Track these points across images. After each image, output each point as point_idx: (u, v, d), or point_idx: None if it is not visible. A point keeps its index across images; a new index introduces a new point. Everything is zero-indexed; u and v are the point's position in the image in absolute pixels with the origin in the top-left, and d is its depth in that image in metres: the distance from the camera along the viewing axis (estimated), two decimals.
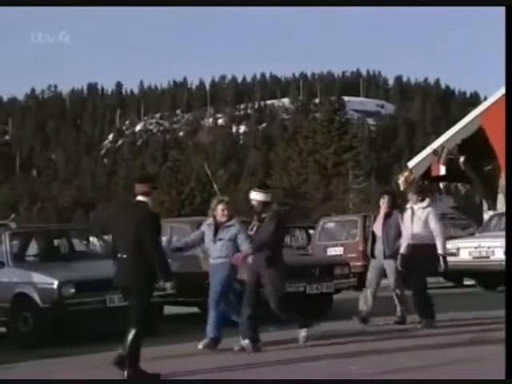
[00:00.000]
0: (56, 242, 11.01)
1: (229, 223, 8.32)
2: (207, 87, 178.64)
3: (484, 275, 13.95)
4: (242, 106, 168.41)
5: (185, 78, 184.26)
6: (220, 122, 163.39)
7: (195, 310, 11.06)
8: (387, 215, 9.38)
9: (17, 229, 10.85)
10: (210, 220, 8.47)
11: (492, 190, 17.18)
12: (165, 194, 61.13)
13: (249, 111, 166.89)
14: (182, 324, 10.54)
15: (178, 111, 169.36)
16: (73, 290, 9.04)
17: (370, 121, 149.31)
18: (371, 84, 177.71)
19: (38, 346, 8.78)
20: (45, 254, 10.18)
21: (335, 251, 15.75)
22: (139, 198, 6.80)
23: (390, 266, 9.29)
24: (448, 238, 15.56)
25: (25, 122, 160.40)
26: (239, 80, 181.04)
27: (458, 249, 14.52)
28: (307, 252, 15.22)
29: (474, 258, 14.04)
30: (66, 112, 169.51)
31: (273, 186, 58.35)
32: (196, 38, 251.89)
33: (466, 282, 15.62)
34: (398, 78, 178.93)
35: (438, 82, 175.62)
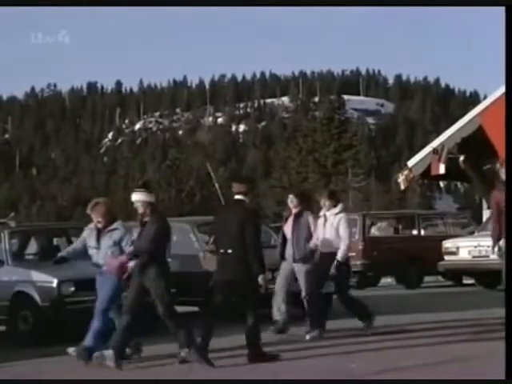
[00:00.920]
0: (55, 240, 11.01)
1: (111, 227, 7.67)
2: (207, 86, 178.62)
3: (483, 274, 13.95)
4: (242, 105, 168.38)
5: (184, 77, 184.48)
6: (220, 120, 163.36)
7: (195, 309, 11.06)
8: (296, 216, 8.93)
9: (16, 227, 10.86)
10: (92, 225, 7.81)
11: (491, 188, 17.15)
12: (164, 192, 61.15)
13: (248, 110, 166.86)
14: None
15: (177, 110, 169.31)
16: (72, 289, 9.05)
17: (370, 120, 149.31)
18: (371, 83, 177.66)
19: (38, 344, 8.78)
20: (44, 253, 10.18)
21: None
22: (238, 196, 7.32)
23: (300, 269, 8.85)
24: (447, 236, 15.70)
25: (24, 121, 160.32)
26: (239, 79, 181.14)
27: (458, 248, 14.53)
28: None
29: (474, 256, 14.04)
30: (66, 111, 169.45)
31: (272, 184, 58.58)
32: (196, 36, 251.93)
33: (466, 281, 15.63)
34: (398, 77, 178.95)
35: (437, 80, 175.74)
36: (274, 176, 60.51)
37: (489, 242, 13.65)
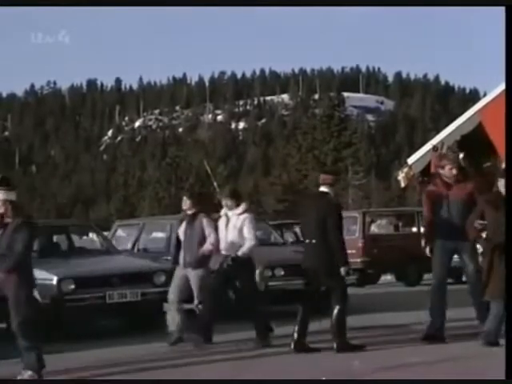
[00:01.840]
0: (55, 237, 11.01)
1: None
2: (206, 83, 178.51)
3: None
4: (242, 102, 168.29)
5: (184, 74, 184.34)
6: (219, 118, 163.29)
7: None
8: (190, 219, 8.34)
9: None
10: None
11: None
12: (164, 190, 61.15)
13: (248, 107, 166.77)
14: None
15: (177, 107, 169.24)
16: (72, 286, 9.03)
17: (370, 117, 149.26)
18: (371, 80, 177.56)
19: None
20: (44, 250, 10.17)
21: None
22: (322, 188, 7.59)
23: (193, 276, 8.22)
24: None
25: (24, 119, 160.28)
26: (238, 76, 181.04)
27: None
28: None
29: None
30: (66, 108, 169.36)
31: (272, 182, 58.56)
32: (195, 34, 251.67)
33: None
34: (398, 74, 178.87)
35: (437, 78, 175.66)
36: (274, 173, 60.51)
37: None
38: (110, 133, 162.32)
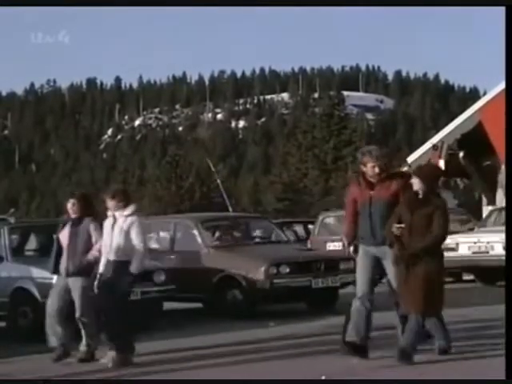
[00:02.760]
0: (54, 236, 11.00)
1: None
2: (206, 82, 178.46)
3: (483, 270, 13.96)
4: (242, 101, 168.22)
5: (184, 73, 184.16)
6: (219, 116, 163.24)
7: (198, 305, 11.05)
8: (75, 223, 7.68)
9: (16, 223, 10.86)
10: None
11: (491, 184, 17.17)
12: (164, 189, 61.11)
13: (248, 106, 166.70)
14: (182, 319, 10.53)
15: (177, 106, 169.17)
16: None
17: (370, 115, 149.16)
18: (370, 79, 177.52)
19: (37, 340, 8.77)
20: (44, 249, 10.15)
21: (334, 246, 15.72)
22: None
23: (75, 285, 7.58)
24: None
25: (24, 117, 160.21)
26: (238, 75, 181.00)
27: (457, 244, 14.51)
28: (306, 247, 15.22)
29: (473, 252, 14.04)
30: (65, 107, 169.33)
31: (272, 180, 58.56)
32: (195, 32, 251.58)
33: (465, 277, 15.63)
34: (398, 73, 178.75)
35: (437, 76, 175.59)
36: (274, 172, 60.48)
37: (489, 238, 13.73)
38: (109, 131, 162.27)
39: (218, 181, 16.04)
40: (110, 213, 7.50)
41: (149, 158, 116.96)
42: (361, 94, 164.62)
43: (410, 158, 16.54)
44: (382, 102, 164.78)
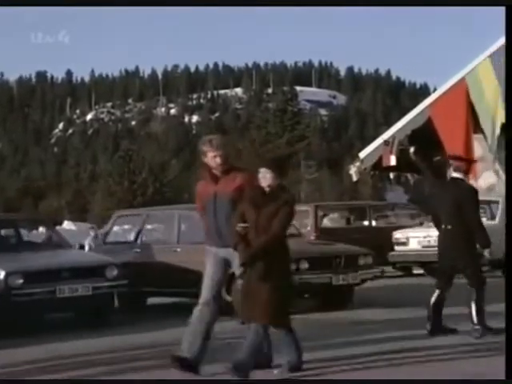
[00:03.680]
0: (3, 232, 10.82)
1: None
2: (159, 76, 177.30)
3: (433, 264, 14.16)
4: (195, 96, 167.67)
5: (137, 67, 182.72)
6: (172, 111, 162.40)
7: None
8: None
9: None
10: None
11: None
12: (117, 184, 60.57)
13: (201, 101, 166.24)
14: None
15: (129, 100, 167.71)
16: (20, 281, 8.88)
17: (322, 111, 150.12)
18: (323, 74, 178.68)
19: None
20: None
21: None
22: (455, 174, 7.66)
23: None
24: (398, 227, 15.87)
25: None
26: (192, 69, 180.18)
27: (408, 238, 14.72)
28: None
29: (423, 247, 14.24)
30: (14, 100, 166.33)
31: None
32: (148, 25, 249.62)
33: (416, 271, 15.83)
34: (350, 69, 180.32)
35: (388, 73, 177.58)
36: None
37: (438, 232, 13.92)
38: (60, 126, 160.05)
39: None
40: None
41: (101, 152, 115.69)
42: (314, 89, 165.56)
43: (362, 154, 16.65)
44: (334, 97, 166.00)
